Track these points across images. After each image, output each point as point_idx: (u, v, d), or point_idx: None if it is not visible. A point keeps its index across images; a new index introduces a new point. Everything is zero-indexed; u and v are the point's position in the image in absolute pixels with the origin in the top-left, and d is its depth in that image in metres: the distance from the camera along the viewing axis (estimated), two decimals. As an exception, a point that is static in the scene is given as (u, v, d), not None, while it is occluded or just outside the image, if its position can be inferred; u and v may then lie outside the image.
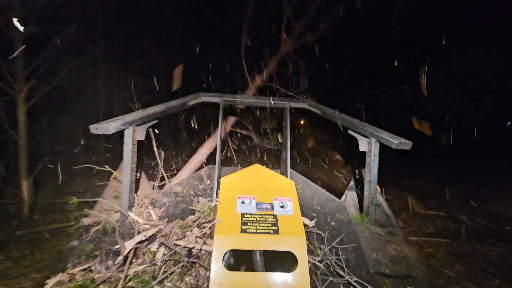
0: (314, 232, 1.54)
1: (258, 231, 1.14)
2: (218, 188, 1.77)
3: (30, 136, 3.89)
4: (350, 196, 1.94)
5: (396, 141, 1.56)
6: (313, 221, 1.62)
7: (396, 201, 5.21)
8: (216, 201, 1.70)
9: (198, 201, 1.75)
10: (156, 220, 1.59)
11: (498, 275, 2.71)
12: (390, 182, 7.27)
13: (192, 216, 1.61)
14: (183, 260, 1.33)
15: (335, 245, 1.49)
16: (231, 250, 1.14)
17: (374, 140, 1.71)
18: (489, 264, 2.96)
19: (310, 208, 1.76)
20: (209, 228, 1.49)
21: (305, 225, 1.54)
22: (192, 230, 1.49)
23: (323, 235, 1.53)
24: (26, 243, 3.17)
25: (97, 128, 1.47)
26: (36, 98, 3.73)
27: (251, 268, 1.17)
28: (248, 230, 1.14)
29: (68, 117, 6.49)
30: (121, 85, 7.31)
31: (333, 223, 1.64)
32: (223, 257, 1.09)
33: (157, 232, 1.48)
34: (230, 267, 1.13)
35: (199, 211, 1.64)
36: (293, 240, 1.12)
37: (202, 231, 1.50)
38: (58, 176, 5.32)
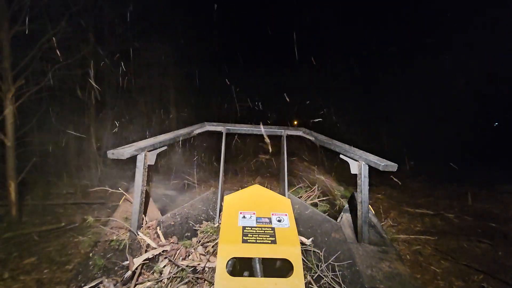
0: (311, 250, 1.63)
1: (257, 241, 1.26)
2: (220, 210, 1.90)
3: (19, 136, 3.82)
4: (346, 217, 2.06)
5: (382, 164, 1.68)
6: (310, 239, 1.72)
7: (386, 200, 5.30)
8: (218, 222, 1.83)
9: (202, 223, 1.87)
10: (163, 241, 1.69)
11: (482, 270, 2.80)
12: (382, 181, 7.39)
13: (196, 237, 1.73)
14: (188, 276, 1.44)
15: (332, 262, 1.58)
16: (234, 258, 1.26)
17: (364, 163, 1.83)
18: (474, 260, 3.05)
19: (307, 228, 1.85)
20: (212, 247, 1.61)
21: (303, 243, 1.67)
22: (196, 249, 1.62)
23: (320, 253, 1.62)
24: (14, 245, 3.12)
25: (113, 154, 1.63)
26: (24, 98, 3.66)
27: (251, 274, 1.28)
28: (248, 241, 1.25)
29: (58, 118, 6.38)
30: (113, 85, 7.24)
31: (329, 242, 1.73)
32: (226, 264, 1.20)
33: (163, 251, 1.58)
34: (232, 273, 1.24)
35: (202, 232, 1.76)
36: (289, 249, 1.24)
37: (206, 249, 1.62)
38: (49, 177, 5.22)
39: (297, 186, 4.02)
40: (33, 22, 3.63)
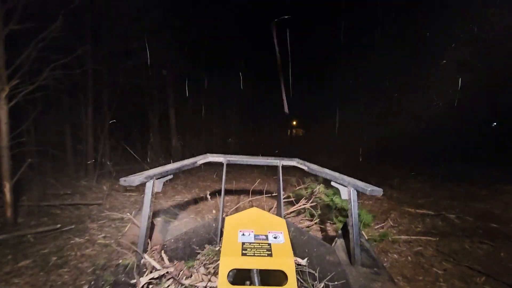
0: (306, 271, 1.73)
1: (255, 254, 1.39)
2: (221, 235, 2.05)
3: (13, 137, 3.75)
4: (340, 242, 2.17)
5: (369, 189, 1.81)
6: (305, 260, 1.82)
7: (386, 200, 5.27)
8: (219, 246, 1.97)
9: (204, 247, 2.01)
10: (167, 263, 1.83)
11: (484, 272, 2.76)
12: (381, 182, 7.37)
13: (198, 260, 1.88)
14: None
15: (326, 282, 1.66)
16: (234, 269, 1.41)
17: (352, 189, 1.96)
18: (476, 261, 3.01)
19: (302, 251, 1.94)
20: (213, 268, 1.74)
21: (299, 264, 1.78)
22: (198, 270, 1.75)
23: (315, 273, 1.71)
24: (8, 247, 3.06)
25: (125, 181, 1.79)
26: (19, 98, 3.60)
27: (250, 284, 1.44)
28: (247, 254, 1.39)
29: (54, 117, 6.33)
30: (111, 85, 7.18)
31: (324, 264, 1.82)
32: (228, 274, 1.34)
33: (167, 272, 1.72)
34: (233, 282, 1.38)
35: (204, 255, 1.88)
36: (283, 261, 1.37)
37: (207, 270, 1.75)
38: (44, 178, 5.16)
39: (298, 188, 4.00)
40: (28, 20, 3.57)
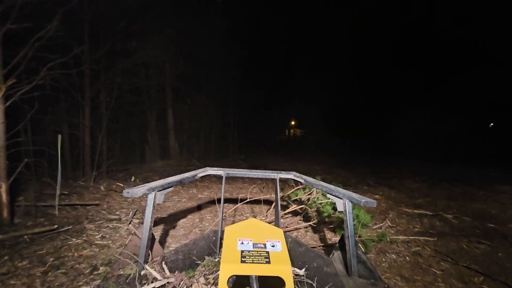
0: (304, 281, 1.79)
1: (254, 261, 1.45)
2: (220, 246, 2.12)
3: (10, 136, 3.72)
4: (337, 254, 2.21)
5: (363, 201, 1.88)
6: (303, 270, 1.87)
7: (384, 200, 5.28)
8: (219, 257, 2.03)
9: (204, 258, 2.06)
10: (168, 274, 1.89)
11: (482, 272, 2.77)
12: (380, 182, 7.40)
13: (198, 271, 1.91)
14: None
15: None
16: (233, 276, 1.47)
17: (347, 200, 2.02)
18: (474, 261, 3.02)
19: (300, 262, 1.98)
20: (213, 278, 1.79)
21: (296, 274, 1.84)
22: (198, 280, 1.80)
23: (313, 284, 1.77)
24: (5, 248, 3.03)
25: (128, 192, 1.86)
26: (16, 97, 3.57)
27: None
28: (246, 261, 1.45)
29: (51, 117, 6.29)
30: (108, 84, 7.14)
31: (321, 275, 1.87)
32: (227, 281, 1.39)
33: (168, 283, 1.77)
34: None
35: (204, 266, 1.94)
36: (281, 268, 1.42)
37: (207, 280, 1.80)
38: (41, 178, 5.11)
39: (295, 188, 3.99)
40: (25, 20, 3.54)
